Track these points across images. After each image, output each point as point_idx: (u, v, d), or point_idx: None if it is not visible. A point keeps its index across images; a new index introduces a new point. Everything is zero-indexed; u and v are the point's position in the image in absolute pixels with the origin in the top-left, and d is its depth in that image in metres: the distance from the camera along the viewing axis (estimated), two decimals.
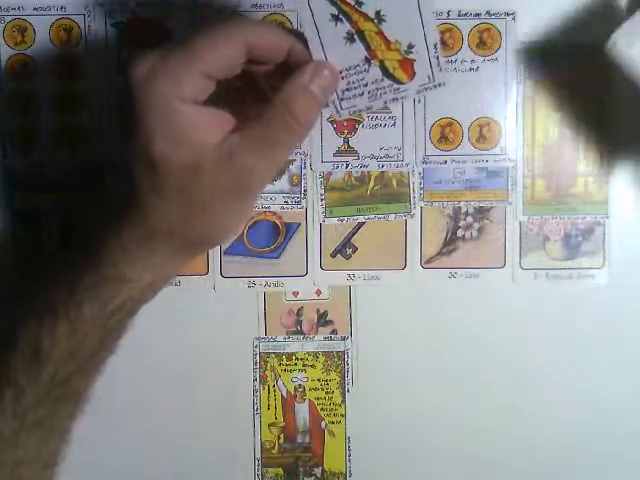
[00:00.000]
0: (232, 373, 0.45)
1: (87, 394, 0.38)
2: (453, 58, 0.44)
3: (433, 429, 0.45)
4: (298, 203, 0.45)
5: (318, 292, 0.45)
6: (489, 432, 0.45)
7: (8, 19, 0.44)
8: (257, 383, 0.45)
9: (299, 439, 0.46)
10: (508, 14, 0.43)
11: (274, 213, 0.45)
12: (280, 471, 0.46)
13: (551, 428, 0.45)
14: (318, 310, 0.45)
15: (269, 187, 0.44)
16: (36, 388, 0.35)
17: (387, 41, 0.35)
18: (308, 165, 0.44)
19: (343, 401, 0.46)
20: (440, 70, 0.36)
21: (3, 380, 0.35)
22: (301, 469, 0.46)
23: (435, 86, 0.36)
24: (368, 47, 0.35)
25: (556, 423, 0.45)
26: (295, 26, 0.43)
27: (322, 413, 0.46)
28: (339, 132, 0.44)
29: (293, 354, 0.45)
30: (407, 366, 0.45)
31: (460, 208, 0.45)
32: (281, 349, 0.45)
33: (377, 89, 0.36)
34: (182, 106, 0.32)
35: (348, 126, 0.44)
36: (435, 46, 0.35)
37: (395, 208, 0.45)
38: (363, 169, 0.44)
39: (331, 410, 0.46)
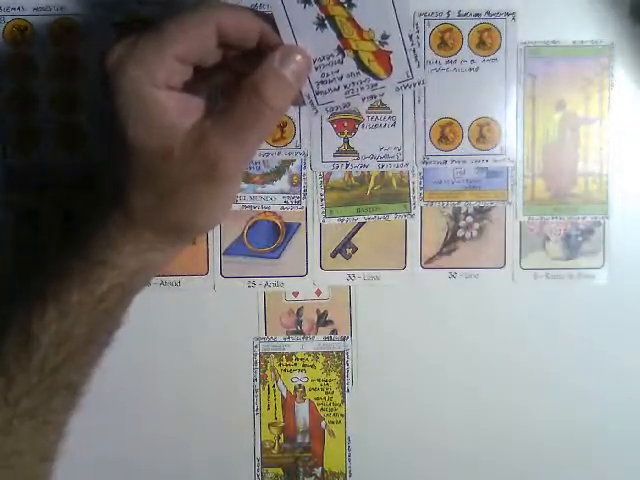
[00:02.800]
0: (232, 373, 0.45)
1: (81, 388, 0.38)
2: (453, 58, 0.44)
3: (433, 429, 0.45)
4: (298, 203, 0.45)
5: (318, 292, 0.45)
6: (489, 432, 0.45)
7: (8, 19, 0.44)
8: (257, 383, 0.45)
9: (299, 439, 0.46)
10: (508, 14, 0.43)
11: (274, 213, 0.45)
12: (280, 471, 0.46)
13: (550, 428, 0.45)
14: (318, 310, 0.45)
15: (269, 187, 0.44)
16: (27, 376, 0.35)
17: (360, 29, 0.34)
18: (308, 165, 0.44)
19: (343, 401, 0.46)
20: (418, 65, 0.35)
21: None
22: (301, 469, 0.46)
23: (415, 84, 0.35)
24: (340, 35, 0.34)
25: (555, 423, 0.45)
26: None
27: (322, 413, 0.46)
28: (339, 132, 0.44)
29: (293, 354, 0.45)
30: (407, 366, 0.45)
31: (460, 208, 0.45)
32: (281, 349, 0.45)
33: (353, 83, 0.35)
34: (153, 90, 0.32)
35: (348, 126, 0.44)
36: (411, 37, 0.34)
37: (395, 208, 0.45)
38: (363, 169, 0.44)
39: (331, 410, 0.46)
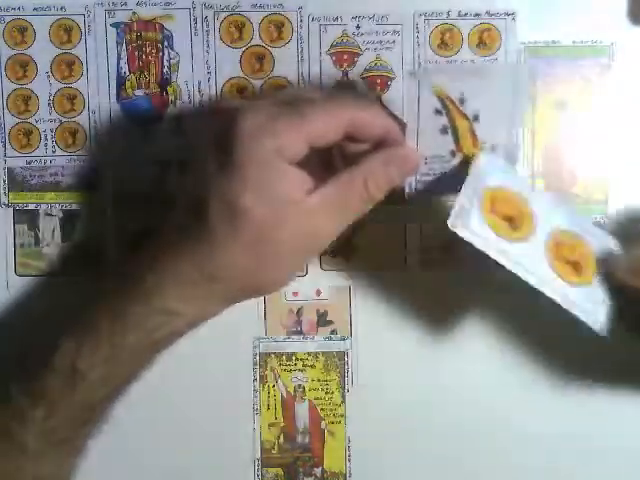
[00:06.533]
0: (232, 373, 0.45)
1: (108, 415, 0.39)
2: (453, 58, 0.43)
3: (433, 429, 0.45)
4: None
5: (318, 292, 0.45)
6: (488, 431, 0.45)
7: (8, 19, 0.44)
8: (257, 383, 0.45)
9: (299, 439, 0.46)
10: (508, 14, 0.43)
11: None
12: (280, 471, 0.46)
13: (551, 427, 0.45)
14: (318, 310, 0.45)
15: None
16: (67, 410, 0.36)
17: (475, 139, 0.38)
18: None
19: (343, 401, 0.46)
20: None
21: (37, 397, 0.36)
22: (301, 469, 0.46)
23: None
24: (457, 141, 0.38)
25: (556, 423, 0.45)
26: (294, 26, 0.43)
27: (322, 413, 0.46)
28: None
29: (293, 354, 0.45)
30: (407, 366, 0.45)
31: None
32: (281, 349, 0.45)
33: (452, 178, 0.39)
34: (280, 165, 0.34)
35: None
36: (514, 149, 0.39)
37: (395, 208, 0.45)
38: None
39: (331, 410, 0.46)
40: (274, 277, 0.37)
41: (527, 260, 0.35)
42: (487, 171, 0.37)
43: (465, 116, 0.37)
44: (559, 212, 0.38)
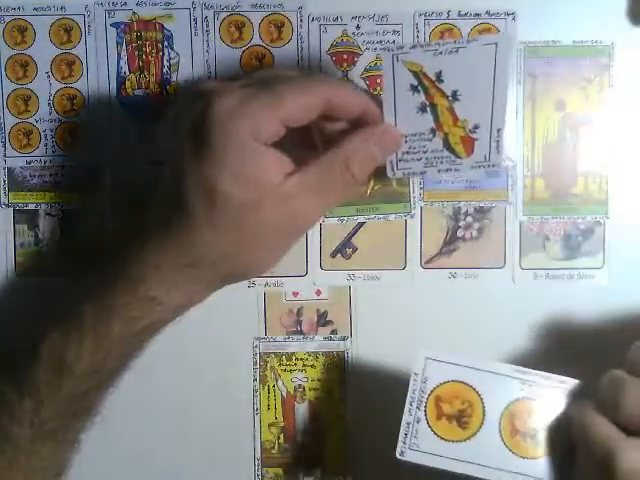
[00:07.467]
0: (232, 373, 0.45)
1: (99, 409, 0.39)
2: None
3: None
4: None
5: (318, 292, 0.45)
6: None
7: (8, 19, 0.44)
8: (257, 383, 0.45)
9: (299, 439, 0.46)
10: (508, 14, 0.43)
11: None
12: (280, 471, 0.46)
13: None
14: (318, 310, 0.45)
15: None
16: (55, 402, 0.36)
17: (455, 118, 0.37)
18: None
19: (343, 401, 0.46)
20: (498, 153, 0.38)
21: (24, 390, 0.36)
22: (301, 469, 0.46)
23: (488, 166, 0.39)
24: (436, 119, 0.37)
25: None
26: (294, 26, 0.43)
27: (322, 413, 0.46)
28: None
29: (293, 354, 0.45)
30: (407, 366, 0.45)
31: (460, 208, 0.45)
32: (281, 349, 0.45)
33: (435, 157, 0.39)
34: (256, 147, 0.34)
35: None
36: (499, 131, 0.38)
37: (395, 208, 0.45)
38: None
39: (331, 410, 0.46)
40: (257, 260, 0.37)
41: (482, 455, 0.36)
42: (429, 373, 0.37)
43: (443, 93, 0.36)
44: (508, 383, 0.37)
